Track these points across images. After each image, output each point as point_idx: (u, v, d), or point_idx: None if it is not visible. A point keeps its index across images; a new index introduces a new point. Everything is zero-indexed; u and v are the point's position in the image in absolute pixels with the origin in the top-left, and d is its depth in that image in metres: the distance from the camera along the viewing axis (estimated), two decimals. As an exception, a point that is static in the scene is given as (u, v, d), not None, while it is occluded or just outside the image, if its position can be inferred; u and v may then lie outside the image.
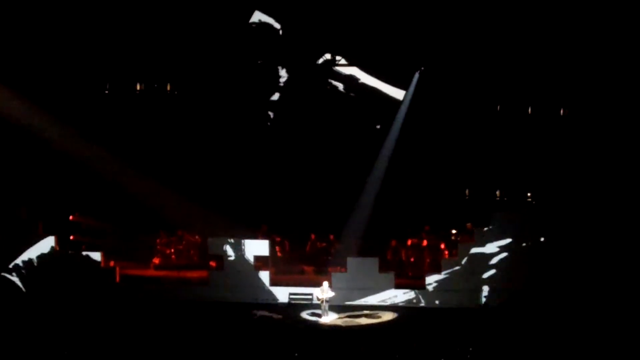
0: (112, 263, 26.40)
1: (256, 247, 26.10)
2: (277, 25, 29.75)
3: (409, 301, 25.56)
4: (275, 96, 30.47)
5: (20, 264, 25.66)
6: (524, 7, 27.15)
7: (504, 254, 25.67)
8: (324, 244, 28.38)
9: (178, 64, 29.48)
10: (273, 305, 25.30)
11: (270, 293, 25.79)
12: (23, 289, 25.43)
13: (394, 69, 29.29)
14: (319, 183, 29.12)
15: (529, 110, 29.67)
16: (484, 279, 25.53)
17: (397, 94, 29.64)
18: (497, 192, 30.19)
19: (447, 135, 29.14)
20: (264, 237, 27.23)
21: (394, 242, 27.89)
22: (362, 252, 26.95)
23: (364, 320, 23.94)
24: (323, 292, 23.41)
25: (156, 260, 28.03)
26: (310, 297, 24.93)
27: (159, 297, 25.28)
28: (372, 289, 25.61)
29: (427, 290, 25.59)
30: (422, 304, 25.53)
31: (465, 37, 27.91)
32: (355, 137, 29.79)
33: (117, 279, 26.01)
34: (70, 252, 26.01)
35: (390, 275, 25.85)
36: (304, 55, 30.06)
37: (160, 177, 28.38)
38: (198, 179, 28.89)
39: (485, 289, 25.43)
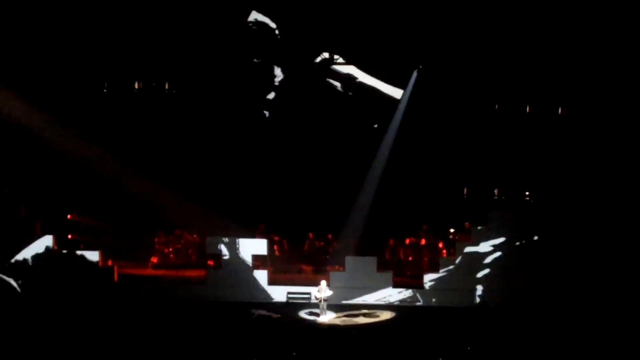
0: (110, 262, 26.38)
1: (254, 246, 26.11)
2: (276, 25, 29.74)
3: (407, 300, 25.58)
4: (274, 95, 30.45)
5: (18, 263, 25.63)
6: (522, 6, 27.17)
7: (502, 253, 25.69)
8: (322, 243, 28.38)
9: (176, 62, 29.46)
10: (271, 304, 25.31)
11: (268, 292, 25.80)
12: (21, 288, 25.40)
13: (392, 67, 29.28)
14: (317, 182, 29.11)
15: (527, 109, 29.68)
16: (481, 277, 25.56)
17: (395, 92, 29.65)
18: (495, 191, 30.22)
19: (445, 134, 29.15)
20: (262, 236, 27.24)
21: (392, 241, 27.90)
22: (360, 251, 26.96)
23: (362, 320, 23.95)
24: (321, 291, 23.42)
25: (154, 260, 28.02)
26: (308, 296, 24.94)
27: (157, 296, 25.27)
28: (370, 288, 25.64)
29: (425, 289, 25.61)
30: (420, 303, 25.56)
31: (464, 36, 27.92)
32: (353, 136, 29.80)
33: (115, 278, 25.99)
34: (68, 251, 25.96)
35: (389, 275, 25.88)
36: (302, 54, 30.05)
37: (158, 176, 28.34)
38: (196, 178, 28.87)
39: (479, 288, 25.45)
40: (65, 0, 27.85)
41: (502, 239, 25.76)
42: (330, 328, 23.10)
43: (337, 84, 30.20)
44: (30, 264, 25.67)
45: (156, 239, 28.24)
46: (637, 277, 24.34)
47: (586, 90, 28.07)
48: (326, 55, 30.00)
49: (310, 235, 28.46)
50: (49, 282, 25.38)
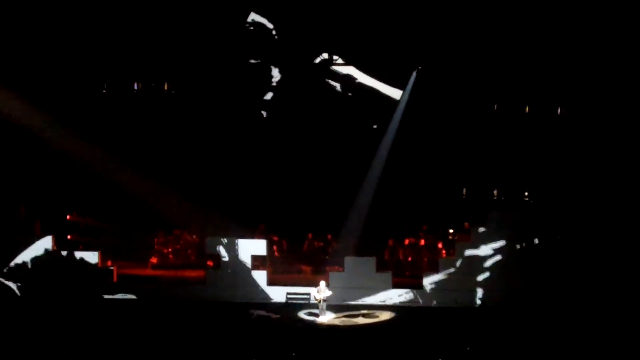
0: (109, 262, 26.38)
1: (254, 247, 26.10)
2: (275, 25, 29.75)
3: (407, 301, 25.58)
4: (274, 96, 30.46)
5: (18, 263, 25.63)
6: (521, 6, 27.17)
7: (502, 254, 25.69)
8: (322, 244, 28.36)
9: (176, 63, 29.48)
10: (270, 304, 25.30)
11: (268, 293, 25.81)
12: (21, 288, 25.41)
13: (391, 68, 29.30)
14: (316, 182, 29.12)
15: (527, 109, 29.70)
16: (481, 278, 25.56)
17: (395, 93, 29.66)
18: (495, 192, 30.23)
19: (445, 134, 29.16)
20: (261, 236, 27.25)
21: (391, 242, 27.88)
22: (360, 252, 26.92)
23: (361, 320, 23.93)
24: (320, 291, 23.42)
25: (154, 260, 28.02)
26: (307, 296, 24.94)
27: (157, 296, 25.27)
28: (369, 289, 25.61)
29: (425, 289, 25.62)
30: (420, 304, 25.55)
31: (463, 36, 27.93)
32: (352, 137, 29.81)
33: (115, 278, 25.99)
34: (67, 251, 25.96)
35: (388, 275, 25.87)
36: (302, 54, 30.06)
37: (158, 176, 28.36)
38: (196, 178, 28.89)
39: (480, 290, 25.46)
40: (65, 0, 27.86)
41: (501, 239, 25.75)
42: (330, 328, 23.11)
43: (337, 85, 30.23)
44: (32, 263, 25.68)
45: (155, 239, 28.24)
46: (637, 278, 24.34)
47: (585, 90, 28.07)
48: (325, 55, 30.02)
49: (310, 235, 28.44)
50: (49, 281, 25.38)
